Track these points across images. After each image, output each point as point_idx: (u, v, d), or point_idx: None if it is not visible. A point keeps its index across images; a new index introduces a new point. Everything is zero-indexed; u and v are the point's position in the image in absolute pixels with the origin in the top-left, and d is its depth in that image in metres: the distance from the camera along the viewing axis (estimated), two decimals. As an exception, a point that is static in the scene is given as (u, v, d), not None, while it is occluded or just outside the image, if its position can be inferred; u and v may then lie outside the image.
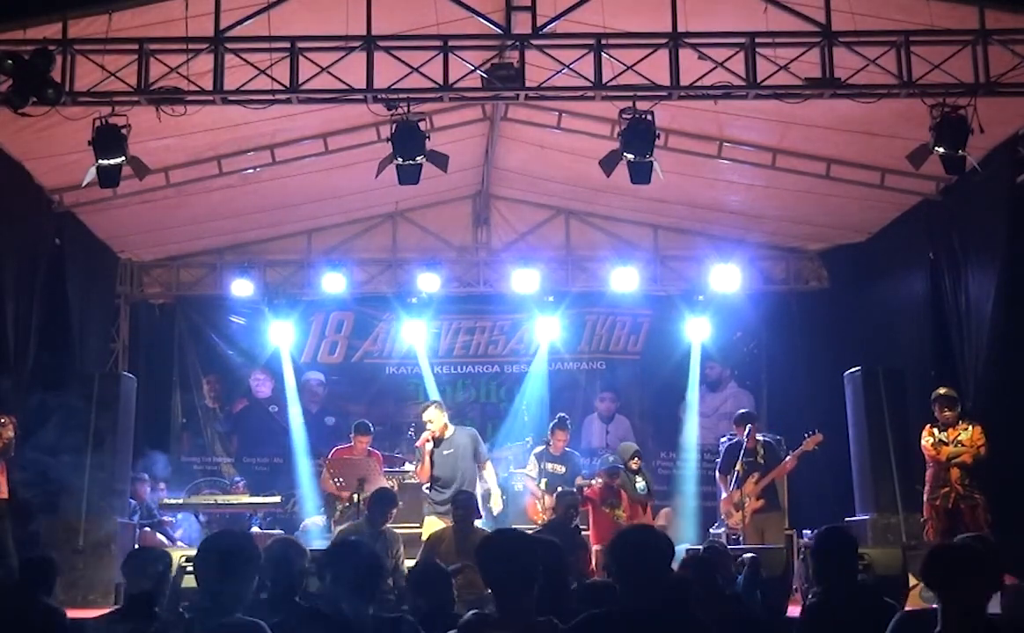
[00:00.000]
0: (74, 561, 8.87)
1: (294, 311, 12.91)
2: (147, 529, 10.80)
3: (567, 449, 10.42)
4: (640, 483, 9.96)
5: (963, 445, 9.27)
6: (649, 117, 8.41)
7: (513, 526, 9.72)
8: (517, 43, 8.19)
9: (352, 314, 13.47)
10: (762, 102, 8.68)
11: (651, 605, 3.46)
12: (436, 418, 9.29)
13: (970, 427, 9.33)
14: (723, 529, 10.49)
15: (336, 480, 9.65)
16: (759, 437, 10.50)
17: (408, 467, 10.71)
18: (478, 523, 8.47)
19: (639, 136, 8.41)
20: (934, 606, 3.45)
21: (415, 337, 13.04)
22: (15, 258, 9.73)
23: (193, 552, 4.55)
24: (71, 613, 7.52)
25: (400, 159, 8.54)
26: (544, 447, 10.42)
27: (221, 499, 11.20)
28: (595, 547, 9.25)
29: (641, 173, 8.60)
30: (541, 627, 3.46)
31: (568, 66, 8.20)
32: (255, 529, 10.83)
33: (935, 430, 9.43)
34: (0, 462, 8.70)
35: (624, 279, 12.52)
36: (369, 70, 8.09)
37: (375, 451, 10.22)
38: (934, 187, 10.74)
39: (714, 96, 8.49)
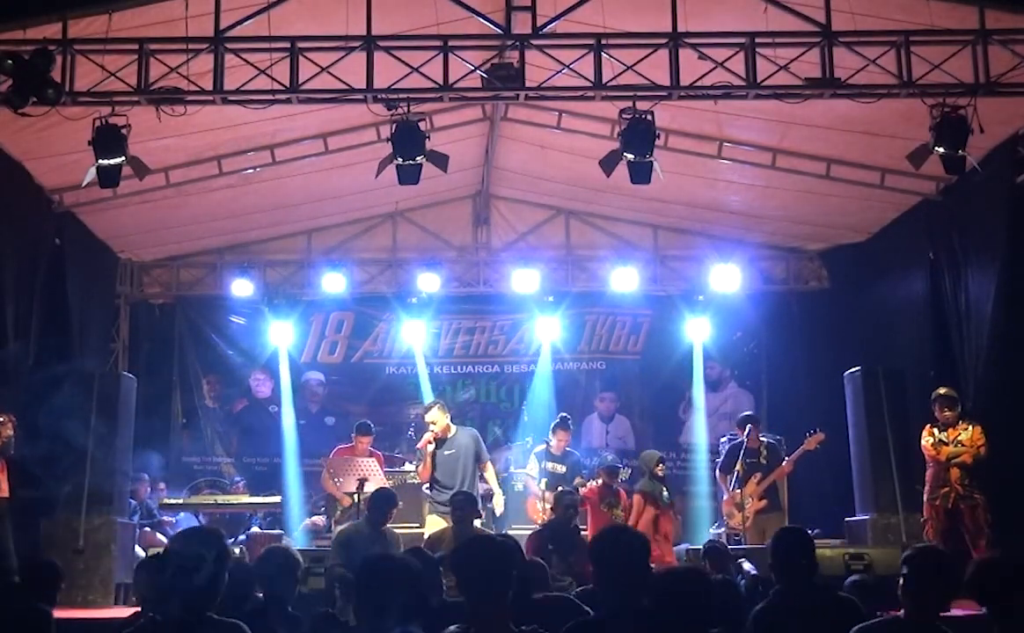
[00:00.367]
0: (74, 561, 8.86)
1: (294, 311, 12.88)
2: (147, 529, 10.80)
3: (568, 449, 10.42)
4: (664, 492, 9.69)
5: (963, 445, 9.27)
6: (649, 117, 8.40)
7: (513, 526, 9.79)
8: (517, 43, 8.19)
9: (352, 314, 13.46)
10: (762, 102, 8.67)
11: (635, 605, 3.46)
12: (439, 419, 9.30)
13: (970, 427, 9.33)
14: (723, 529, 10.49)
15: (336, 480, 9.65)
16: (762, 438, 10.51)
17: (408, 467, 10.71)
18: (478, 523, 8.47)
19: (639, 136, 8.41)
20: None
21: (415, 337, 13.03)
22: (15, 258, 9.74)
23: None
24: (71, 613, 7.58)
25: (400, 159, 8.53)
26: (545, 447, 10.41)
27: (221, 499, 11.22)
28: (595, 547, 9.21)
29: (641, 173, 8.60)
30: None
31: (568, 66, 8.20)
32: (255, 529, 10.85)
33: (935, 430, 9.43)
34: (0, 461, 8.72)
35: (624, 279, 12.51)
36: (369, 70, 8.09)
37: (376, 451, 10.21)
38: (934, 187, 10.75)
39: (714, 96, 8.49)
